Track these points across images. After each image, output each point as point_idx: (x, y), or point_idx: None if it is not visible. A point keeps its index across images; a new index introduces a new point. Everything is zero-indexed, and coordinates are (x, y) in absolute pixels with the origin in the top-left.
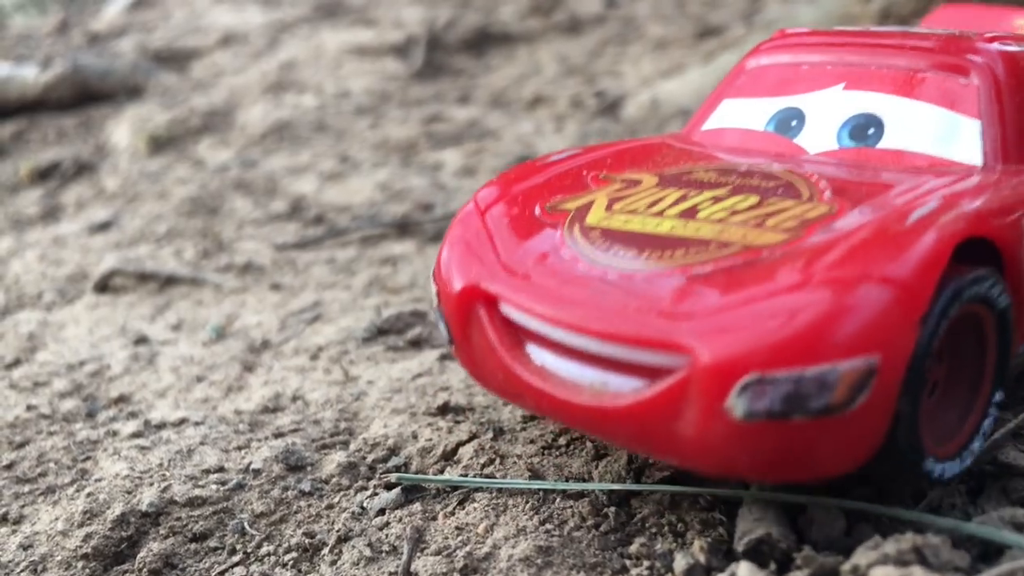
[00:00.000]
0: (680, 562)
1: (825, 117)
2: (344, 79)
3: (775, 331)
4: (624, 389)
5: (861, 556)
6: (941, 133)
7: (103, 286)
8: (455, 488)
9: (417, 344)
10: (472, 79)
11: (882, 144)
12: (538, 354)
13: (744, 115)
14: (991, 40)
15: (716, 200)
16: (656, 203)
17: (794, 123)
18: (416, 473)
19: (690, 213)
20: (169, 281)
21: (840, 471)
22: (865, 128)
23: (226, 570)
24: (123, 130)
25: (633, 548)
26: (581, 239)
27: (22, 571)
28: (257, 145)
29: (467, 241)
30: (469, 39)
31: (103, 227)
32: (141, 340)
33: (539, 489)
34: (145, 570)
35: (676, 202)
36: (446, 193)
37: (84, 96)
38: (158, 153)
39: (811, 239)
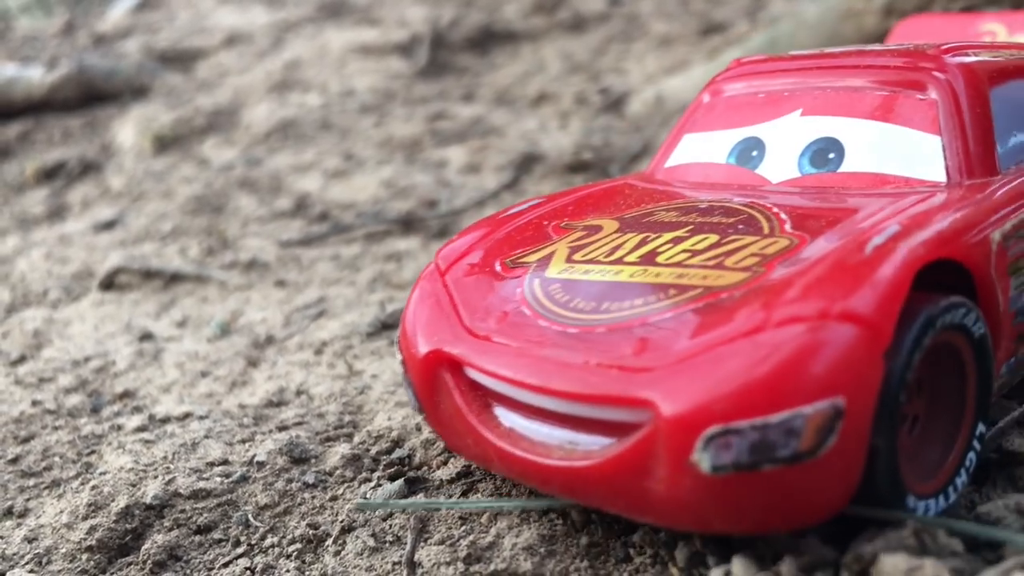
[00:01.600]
0: (682, 551)
1: (785, 145)
2: (348, 78)
3: (736, 379)
4: (593, 448)
5: (863, 545)
6: (902, 152)
7: (108, 283)
8: (459, 479)
9: None
10: (476, 77)
11: (844, 168)
12: (506, 416)
13: (705, 149)
14: (948, 52)
15: (676, 241)
16: (616, 250)
17: (754, 153)
18: (420, 465)
19: (650, 258)
20: (174, 278)
21: (819, 518)
22: (825, 153)
23: (230, 561)
24: (128, 130)
25: (636, 537)
26: (542, 294)
27: (27, 563)
28: (262, 144)
29: (429, 305)
30: (473, 37)
31: (108, 225)
32: (146, 336)
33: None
34: (150, 562)
35: (636, 247)
36: (450, 190)
37: (89, 96)
38: (163, 152)
39: (771, 276)
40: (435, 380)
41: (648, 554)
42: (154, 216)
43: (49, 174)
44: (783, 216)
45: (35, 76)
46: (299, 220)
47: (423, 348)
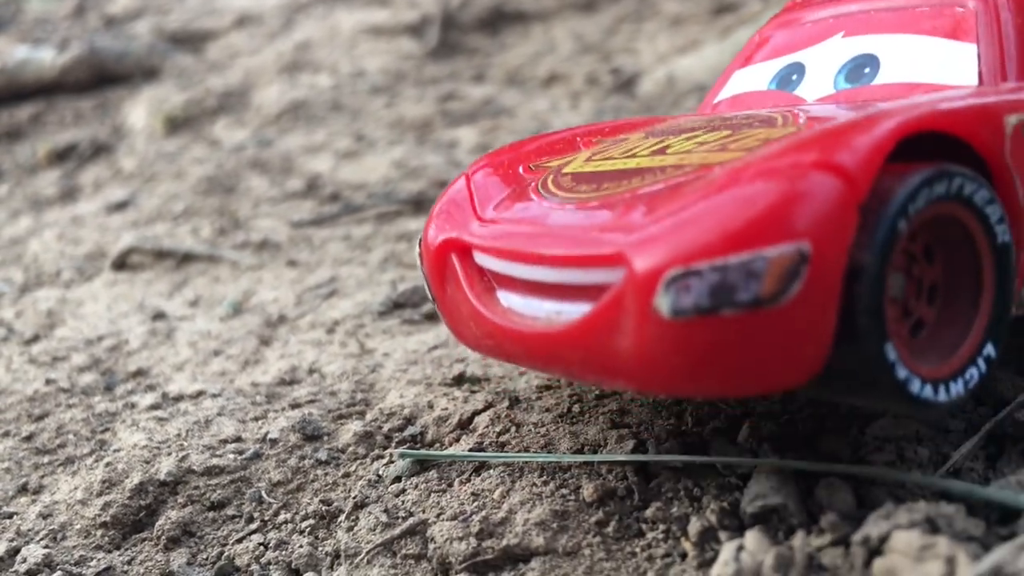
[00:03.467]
0: (695, 525)
1: (823, 66)
2: (359, 59)
3: (701, 223)
4: (575, 314)
5: (872, 526)
6: (937, 62)
7: (121, 263)
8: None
9: (433, 317)
10: (487, 57)
11: (877, 81)
12: (506, 297)
13: (750, 80)
14: None
15: (690, 138)
16: (633, 149)
17: (795, 77)
18: (432, 442)
19: (661, 151)
20: (186, 258)
21: (789, 380)
22: (861, 68)
23: (244, 537)
24: (140, 111)
25: (649, 512)
26: (552, 184)
27: (42, 539)
28: (273, 125)
29: (451, 204)
30: (484, 17)
31: (120, 206)
32: (159, 316)
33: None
34: (164, 538)
35: (652, 146)
36: (462, 170)
37: (101, 78)
38: (174, 133)
39: (764, 148)
40: (445, 268)
41: (660, 529)
42: (166, 197)
43: (61, 156)
44: (801, 116)
45: (46, 58)
46: (310, 201)
47: (438, 238)
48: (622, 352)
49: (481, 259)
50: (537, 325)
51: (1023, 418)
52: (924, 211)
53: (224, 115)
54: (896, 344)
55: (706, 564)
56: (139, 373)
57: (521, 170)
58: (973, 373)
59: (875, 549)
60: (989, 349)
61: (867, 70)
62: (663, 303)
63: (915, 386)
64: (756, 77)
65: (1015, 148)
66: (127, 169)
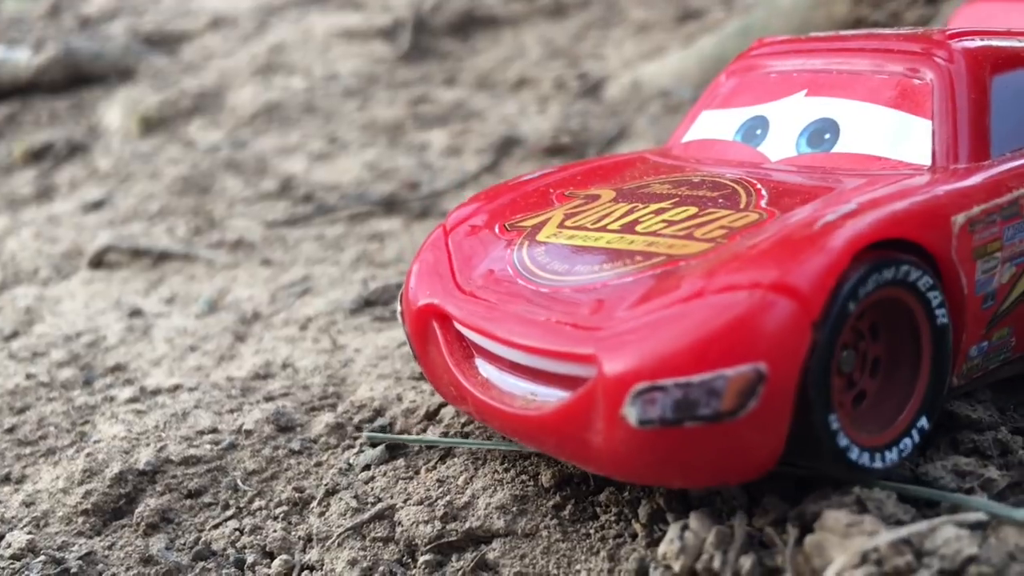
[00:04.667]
0: (644, 508)
1: (786, 124)
2: (332, 62)
3: (667, 340)
4: (550, 399)
5: (807, 506)
6: (893, 135)
7: (98, 262)
8: (436, 445)
9: None
10: (458, 61)
11: (836, 148)
12: (484, 368)
13: (718, 126)
14: (955, 37)
15: (659, 212)
16: (604, 218)
17: (759, 132)
18: (401, 432)
19: (630, 227)
20: (162, 257)
21: (747, 476)
22: (822, 133)
23: (220, 523)
24: (115, 112)
25: (603, 496)
26: (526, 256)
27: (25, 526)
28: (247, 126)
29: (430, 263)
30: (455, 22)
31: (96, 206)
32: (135, 313)
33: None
34: (143, 524)
35: (622, 216)
36: (432, 172)
37: (76, 78)
38: (150, 134)
39: (728, 248)
40: (426, 331)
41: (613, 512)
42: (142, 196)
43: (37, 155)
44: (763, 192)
45: (22, 58)
46: (284, 201)
47: (418, 302)
48: (593, 445)
49: (461, 328)
50: (514, 404)
51: (951, 408)
52: (872, 294)
53: (199, 116)
54: (840, 415)
55: (654, 543)
56: (117, 368)
57: (497, 230)
58: (907, 443)
59: (807, 526)
60: (923, 422)
61: (827, 136)
62: (630, 413)
63: (854, 454)
64: (723, 123)
65: (960, 245)
66: (103, 169)
